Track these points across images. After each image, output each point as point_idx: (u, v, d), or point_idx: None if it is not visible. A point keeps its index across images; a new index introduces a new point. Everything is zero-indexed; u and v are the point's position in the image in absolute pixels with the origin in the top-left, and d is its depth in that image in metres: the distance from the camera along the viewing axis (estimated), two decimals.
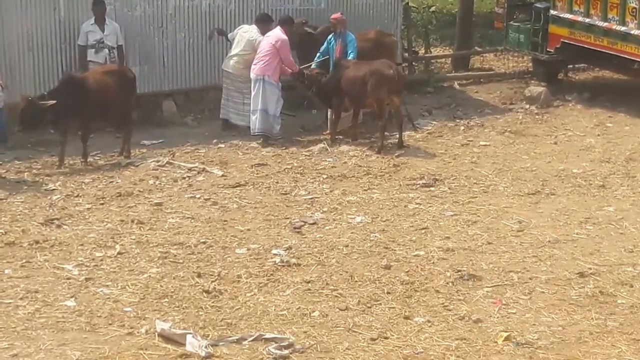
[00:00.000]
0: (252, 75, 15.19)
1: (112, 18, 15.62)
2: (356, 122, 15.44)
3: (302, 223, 11.45)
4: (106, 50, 15.31)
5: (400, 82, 15.20)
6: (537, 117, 16.92)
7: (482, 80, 19.89)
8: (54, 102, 13.39)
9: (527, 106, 17.56)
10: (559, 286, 9.61)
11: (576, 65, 20.16)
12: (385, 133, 14.92)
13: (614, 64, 18.07)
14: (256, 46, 15.48)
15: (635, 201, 12.39)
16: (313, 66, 15.76)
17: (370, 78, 14.68)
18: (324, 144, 14.95)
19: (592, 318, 8.91)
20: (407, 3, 20.21)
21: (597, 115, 16.97)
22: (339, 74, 15.13)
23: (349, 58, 15.39)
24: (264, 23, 15.80)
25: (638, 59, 16.84)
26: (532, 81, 19.31)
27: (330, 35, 15.78)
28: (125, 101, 14.44)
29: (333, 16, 15.85)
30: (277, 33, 15.25)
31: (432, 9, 22.49)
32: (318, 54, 15.87)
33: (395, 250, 10.57)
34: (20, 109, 13.61)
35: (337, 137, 15.27)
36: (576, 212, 11.94)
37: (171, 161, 14.06)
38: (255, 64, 15.20)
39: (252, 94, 15.16)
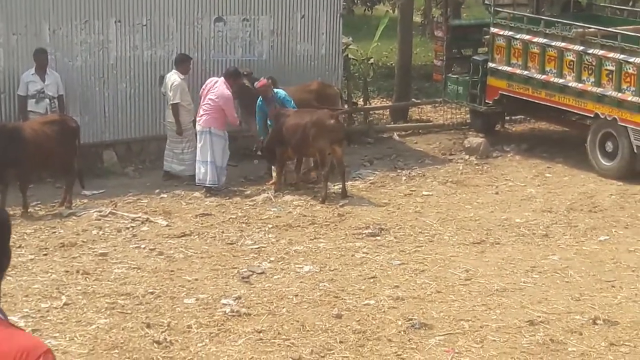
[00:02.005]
0: (198, 127, 15.18)
1: (53, 67, 15.48)
2: (299, 172, 15.46)
3: (250, 273, 11.39)
4: (47, 100, 15.17)
5: (342, 131, 15.30)
6: (477, 167, 17.07)
7: (420, 131, 20.05)
8: None
9: (467, 157, 17.72)
10: (509, 334, 9.65)
11: (513, 117, 20.45)
12: (328, 183, 14.94)
13: (551, 115, 18.37)
14: (172, 87, 15.48)
15: (578, 250, 12.53)
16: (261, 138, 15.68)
17: (312, 128, 14.72)
18: (268, 193, 14.93)
19: None
20: (347, 55, 20.36)
21: (536, 165, 17.18)
22: (280, 124, 15.10)
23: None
24: (183, 63, 15.84)
25: (575, 111, 17.15)
26: (470, 132, 19.52)
27: (259, 101, 15.51)
28: (66, 151, 14.26)
29: (259, 84, 15.45)
30: (221, 89, 15.17)
31: (371, 61, 22.64)
32: (258, 125, 15.72)
33: (345, 299, 10.54)
34: None
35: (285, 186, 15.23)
36: (521, 261, 12.03)
37: (114, 211, 13.92)
38: (200, 116, 15.18)
39: (199, 145, 15.13)
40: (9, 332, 3.38)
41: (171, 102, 15.64)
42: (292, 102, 15.58)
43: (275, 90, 15.57)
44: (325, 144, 14.79)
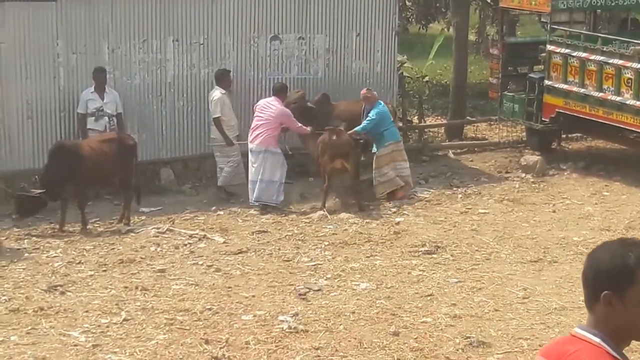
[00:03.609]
0: (252, 146, 15.26)
1: (111, 86, 15.68)
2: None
3: (307, 289, 11.42)
4: (106, 118, 15.36)
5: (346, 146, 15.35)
6: (533, 185, 16.96)
7: (476, 149, 19.95)
8: (43, 191, 13.50)
9: (523, 175, 17.60)
10: None
11: (570, 135, 20.28)
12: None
13: (609, 133, 18.19)
14: (212, 101, 15.66)
15: None
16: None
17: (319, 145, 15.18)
18: (324, 211, 14.96)
19: None
20: (402, 73, 20.37)
21: (593, 184, 17.02)
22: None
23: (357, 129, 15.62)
24: (223, 78, 15.99)
25: (634, 129, 16.99)
26: (526, 150, 19.39)
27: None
28: (124, 169, 14.44)
29: (363, 91, 16.11)
30: (277, 107, 15.34)
31: (426, 79, 22.62)
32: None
33: (402, 316, 10.53)
34: (14, 200, 13.72)
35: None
36: (579, 279, 11.85)
37: (171, 228, 14.04)
38: (255, 136, 15.26)
39: (254, 164, 15.23)
40: None
41: (212, 117, 15.76)
42: (368, 124, 15.66)
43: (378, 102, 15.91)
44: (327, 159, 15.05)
